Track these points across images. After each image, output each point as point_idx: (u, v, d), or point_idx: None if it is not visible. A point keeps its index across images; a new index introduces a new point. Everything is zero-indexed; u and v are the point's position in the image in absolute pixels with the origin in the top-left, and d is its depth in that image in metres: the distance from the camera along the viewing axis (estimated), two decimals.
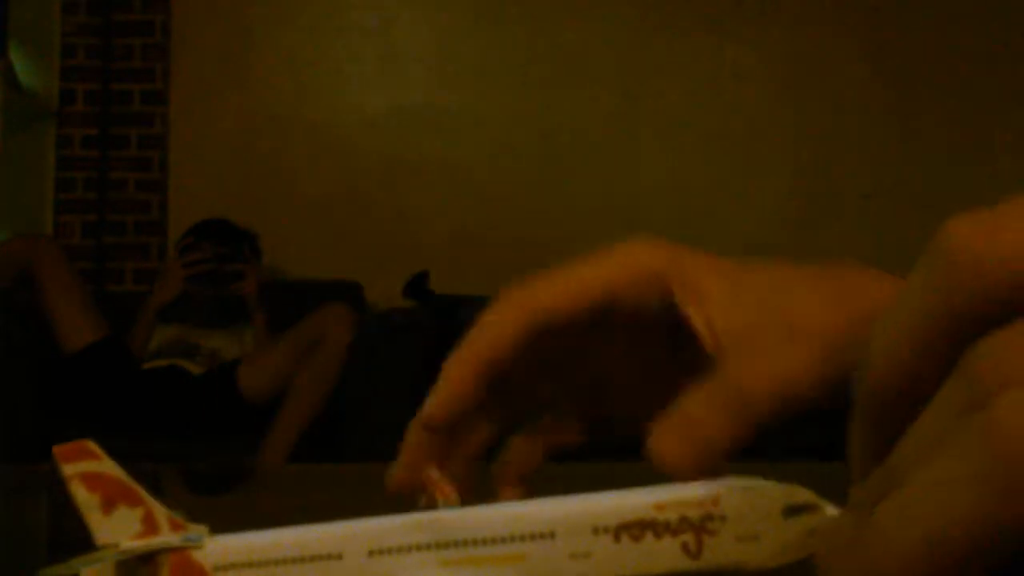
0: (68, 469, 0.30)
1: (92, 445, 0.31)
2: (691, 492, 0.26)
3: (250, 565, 0.28)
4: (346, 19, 3.40)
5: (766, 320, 0.34)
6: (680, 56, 3.39)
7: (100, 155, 3.37)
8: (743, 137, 3.37)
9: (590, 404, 0.39)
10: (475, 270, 3.22)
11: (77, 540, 0.51)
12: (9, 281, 2.65)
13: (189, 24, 3.41)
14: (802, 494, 0.26)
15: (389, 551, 0.26)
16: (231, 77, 3.40)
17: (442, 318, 2.63)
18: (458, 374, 0.35)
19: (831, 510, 0.25)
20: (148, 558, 0.29)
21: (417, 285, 2.93)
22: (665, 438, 0.32)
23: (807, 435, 1.28)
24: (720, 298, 0.35)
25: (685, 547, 0.25)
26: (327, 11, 3.40)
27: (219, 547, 0.28)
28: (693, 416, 0.32)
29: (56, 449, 0.30)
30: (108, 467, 0.30)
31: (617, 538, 0.25)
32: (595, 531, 0.25)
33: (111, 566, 0.30)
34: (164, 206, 3.39)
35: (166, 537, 0.29)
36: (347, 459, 2.35)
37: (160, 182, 3.38)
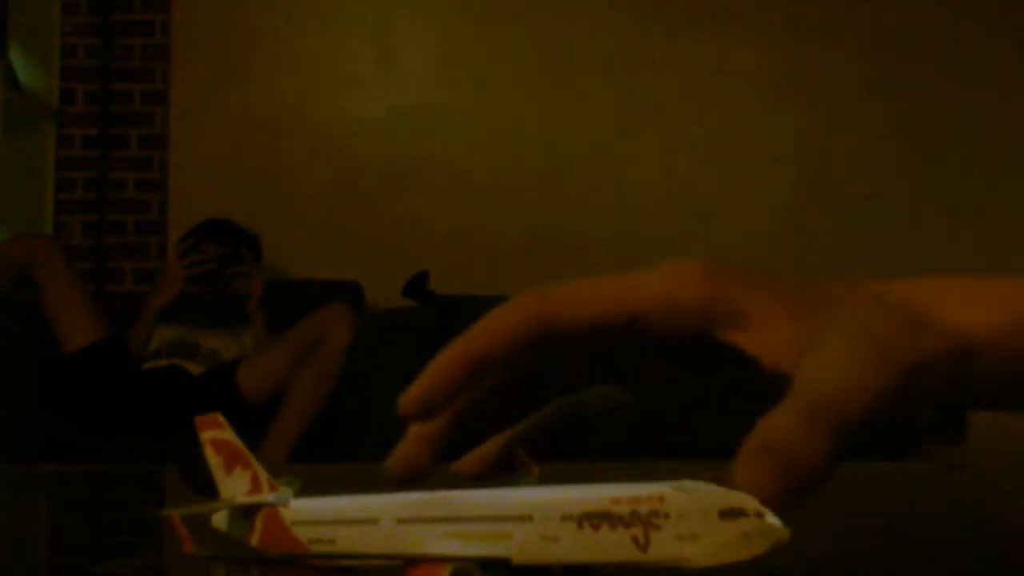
0: (204, 436, 0.39)
1: (221, 418, 0.39)
2: (642, 490, 0.28)
3: (314, 523, 0.35)
4: (346, 19, 3.40)
5: (824, 333, 0.33)
6: (680, 56, 3.39)
7: (100, 155, 3.37)
8: (743, 137, 3.36)
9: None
10: (475, 270, 3.22)
11: (77, 540, 0.51)
12: (9, 281, 2.65)
13: (189, 24, 3.41)
14: (740, 499, 0.28)
15: (412, 520, 0.32)
16: (231, 77, 3.40)
17: (442, 318, 2.63)
18: (443, 369, 0.34)
19: (771, 519, 0.27)
20: (250, 510, 0.37)
21: (417, 285, 2.93)
22: (754, 465, 0.29)
23: None
24: (770, 318, 0.34)
25: (635, 539, 0.28)
26: (327, 11, 3.40)
27: (298, 506, 0.36)
28: (783, 437, 0.30)
29: (196, 419, 0.39)
30: (230, 436, 0.38)
31: (580, 526, 0.29)
32: (563, 518, 0.29)
33: (227, 514, 0.38)
34: (164, 206, 3.39)
35: (265, 496, 0.37)
36: (347, 459, 2.35)
37: (160, 182, 3.39)
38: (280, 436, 2.47)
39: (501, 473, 0.37)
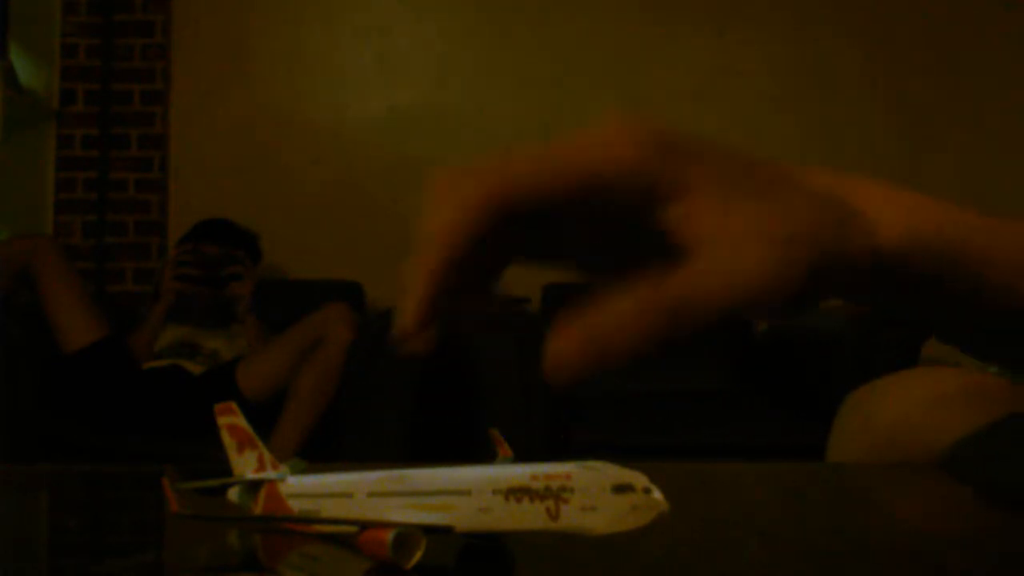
0: (220, 421, 0.45)
1: (235, 406, 0.46)
2: (555, 469, 0.34)
3: (304, 496, 0.41)
4: (345, 20, 3.40)
5: (738, 223, 0.34)
6: (681, 56, 3.39)
7: (100, 155, 3.37)
8: (743, 137, 3.36)
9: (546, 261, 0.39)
10: None
11: (77, 540, 0.51)
12: (9, 281, 2.65)
13: (189, 24, 3.41)
14: (630, 476, 0.33)
15: (379, 494, 0.38)
16: (231, 77, 3.40)
17: None
18: (422, 287, 0.34)
19: (655, 494, 0.33)
20: (256, 485, 0.43)
21: None
22: (568, 332, 0.31)
23: (803, 436, 1.28)
24: (706, 200, 0.35)
25: (548, 511, 0.34)
26: (327, 11, 3.40)
27: (293, 482, 0.42)
28: (608, 320, 0.32)
29: (216, 407, 0.45)
30: (241, 422, 0.45)
31: (507, 498, 0.35)
32: (494, 492, 0.35)
33: (238, 489, 0.44)
34: (164, 206, 3.39)
35: (268, 473, 0.43)
36: (347, 459, 2.35)
37: (160, 182, 3.38)
38: (285, 438, 2.47)
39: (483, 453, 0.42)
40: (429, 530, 0.36)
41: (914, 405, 0.67)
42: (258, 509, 0.42)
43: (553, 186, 0.35)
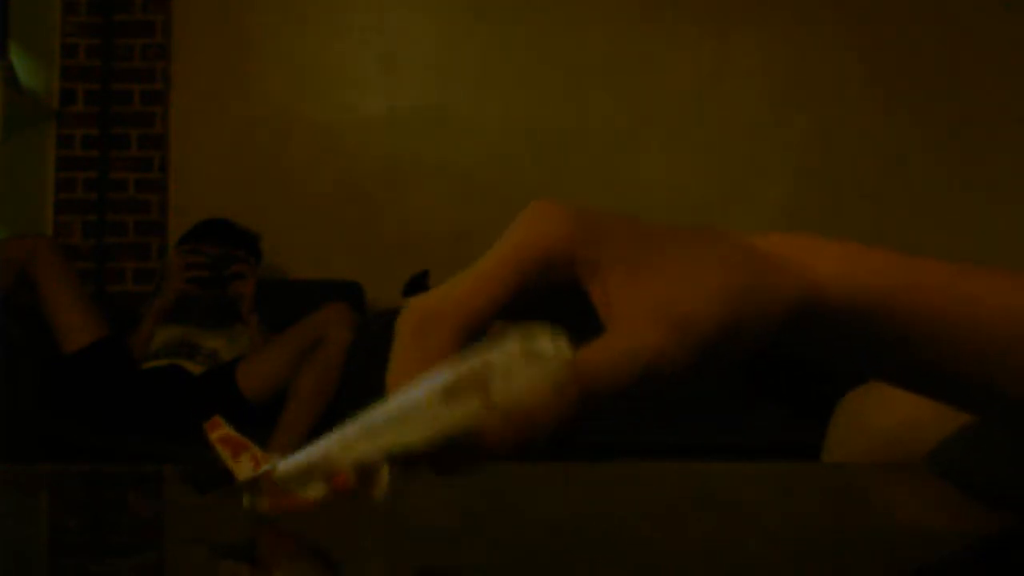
0: (212, 436, 0.47)
1: (220, 419, 0.47)
2: (470, 359, 0.37)
3: (297, 473, 0.42)
4: (346, 19, 3.40)
5: (641, 302, 0.38)
6: (680, 56, 3.39)
7: (100, 155, 3.37)
8: (743, 137, 3.37)
9: None
10: None
11: (77, 540, 0.51)
12: (9, 281, 2.65)
13: (189, 24, 3.41)
14: (536, 333, 0.36)
15: (352, 444, 0.40)
16: (231, 77, 3.40)
17: None
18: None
19: (562, 343, 0.35)
20: (257, 482, 0.44)
21: (417, 285, 2.93)
22: (504, 420, 0.36)
23: (802, 435, 1.28)
24: (615, 279, 0.38)
25: (481, 399, 0.36)
26: (327, 12, 3.40)
27: (282, 466, 0.44)
28: (533, 404, 0.37)
29: (205, 425, 0.47)
30: (231, 432, 0.46)
31: (447, 402, 0.37)
32: (436, 402, 0.37)
33: (244, 495, 0.45)
34: (164, 206, 3.39)
35: (264, 468, 0.44)
36: None
37: (160, 182, 3.39)
38: (285, 437, 2.47)
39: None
40: (391, 457, 0.38)
41: (910, 406, 0.67)
42: (266, 504, 0.44)
43: (504, 294, 0.39)
